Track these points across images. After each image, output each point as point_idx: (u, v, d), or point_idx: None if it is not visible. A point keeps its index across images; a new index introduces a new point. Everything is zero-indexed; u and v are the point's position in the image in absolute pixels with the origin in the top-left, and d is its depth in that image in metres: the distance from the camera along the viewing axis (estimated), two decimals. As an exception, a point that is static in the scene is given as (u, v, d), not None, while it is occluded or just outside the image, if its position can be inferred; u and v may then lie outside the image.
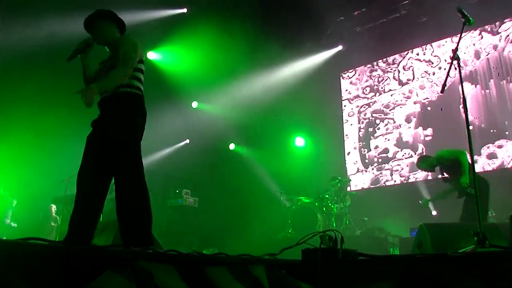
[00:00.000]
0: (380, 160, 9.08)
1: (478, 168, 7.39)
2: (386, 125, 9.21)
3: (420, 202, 6.04)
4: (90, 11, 3.04)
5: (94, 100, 2.71)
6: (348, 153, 9.72)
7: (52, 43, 6.23)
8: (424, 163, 5.52)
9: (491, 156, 7.59)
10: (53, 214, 8.04)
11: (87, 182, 2.73)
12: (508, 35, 7.84)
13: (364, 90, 9.83)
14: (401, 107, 9.06)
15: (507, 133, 7.49)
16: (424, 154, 8.43)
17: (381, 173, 9.01)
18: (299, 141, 10.09)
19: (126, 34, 3.12)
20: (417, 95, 8.86)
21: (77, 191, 2.75)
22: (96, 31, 2.98)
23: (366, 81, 9.85)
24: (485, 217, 4.80)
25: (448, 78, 3.01)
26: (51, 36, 6.38)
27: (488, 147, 7.63)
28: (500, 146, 7.53)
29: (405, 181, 8.58)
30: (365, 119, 9.65)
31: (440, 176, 5.40)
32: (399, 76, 9.29)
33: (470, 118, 7.51)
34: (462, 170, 5.00)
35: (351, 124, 9.86)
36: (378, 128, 9.34)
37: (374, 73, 9.75)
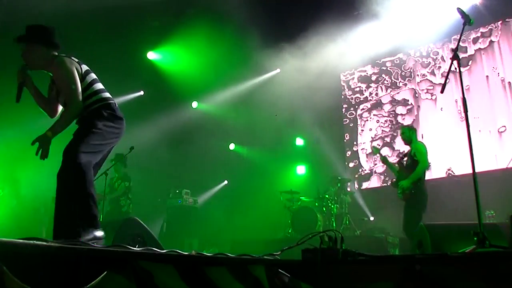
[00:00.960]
0: (380, 160, 9.08)
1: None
2: (386, 125, 9.22)
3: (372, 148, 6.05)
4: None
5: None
6: (348, 153, 9.72)
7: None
8: (409, 131, 5.32)
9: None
10: None
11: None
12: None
13: (365, 90, 9.82)
14: (401, 107, 9.06)
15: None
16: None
17: (381, 173, 9.01)
18: (299, 141, 10.10)
19: (58, 55, 2.94)
20: (417, 95, 8.86)
21: None
22: (25, 58, 2.90)
23: (367, 81, 9.85)
24: (416, 226, 4.58)
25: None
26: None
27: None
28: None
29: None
30: (365, 119, 9.65)
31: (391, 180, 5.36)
32: (399, 76, 9.29)
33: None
34: (412, 175, 4.97)
35: (351, 124, 9.86)
36: (378, 128, 9.34)
37: (374, 73, 9.75)
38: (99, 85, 3.00)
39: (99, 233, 2.65)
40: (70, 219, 2.59)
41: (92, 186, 2.70)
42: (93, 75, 3.00)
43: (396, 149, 8.87)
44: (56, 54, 2.92)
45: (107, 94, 3.02)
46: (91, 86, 2.93)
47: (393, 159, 8.89)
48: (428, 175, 8.19)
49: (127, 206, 6.89)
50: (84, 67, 2.97)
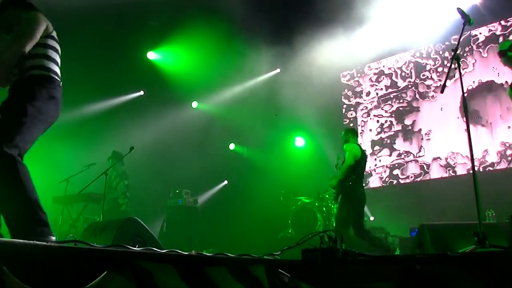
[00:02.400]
0: (380, 160, 9.08)
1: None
2: (386, 125, 9.21)
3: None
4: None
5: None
6: (348, 153, 9.71)
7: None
8: (346, 134, 5.42)
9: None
10: None
11: None
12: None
13: (365, 90, 9.82)
14: (401, 108, 9.06)
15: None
16: (425, 154, 8.44)
17: (381, 173, 9.01)
18: (299, 141, 10.09)
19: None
20: (417, 95, 8.86)
21: None
22: (4, 23, 2.62)
23: (367, 81, 9.84)
24: (343, 226, 4.79)
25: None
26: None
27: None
28: None
29: (406, 181, 8.58)
30: (365, 119, 9.65)
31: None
32: (399, 77, 9.28)
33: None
34: (338, 174, 5.04)
35: (351, 125, 9.85)
36: (378, 128, 9.34)
37: (374, 73, 9.74)
38: (57, 58, 2.64)
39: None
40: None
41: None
42: (57, 46, 2.68)
43: (396, 149, 8.87)
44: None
45: (57, 70, 2.64)
46: (50, 50, 2.60)
47: (393, 159, 8.89)
48: (428, 175, 8.24)
49: (126, 205, 6.87)
50: (55, 33, 2.68)
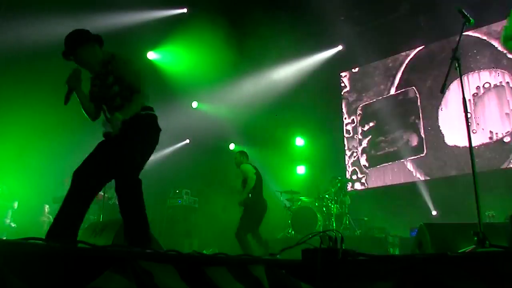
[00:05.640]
0: (380, 160, 9.08)
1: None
2: (386, 125, 9.21)
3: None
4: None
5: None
6: (348, 153, 9.72)
7: (52, 43, 6.23)
8: (240, 156, 6.04)
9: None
10: (46, 213, 8.07)
11: (87, 180, 2.80)
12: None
13: (364, 90, 9.82)
14: (401, 108, 9.06)
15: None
16: (425, 154, 8.44)
17: (381, 173, 9.01)
18: (299, 141, 10.09)
19: (112, 51, 3.01)
20: (418, 95, 8.86)
21: (74, 187, 2.80)
22: (80, 58, 2.90)
23: (366, 81, 9.84)
24: (246, 232, 5.54)
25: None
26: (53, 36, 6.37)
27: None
28: None
29: (405, 181, 8.57)
30: (365, 119, 9.65)
31: None
32: (400, 76, 9.29)
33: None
34: (244, 190, 5.73)
35: (351, 124, 9.86)
36: (378, 128, 9.34)
37: (374, 73, 9.74)
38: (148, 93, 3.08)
39: None
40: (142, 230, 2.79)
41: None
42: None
43: (396, 149, 8.87)
44: (109, 51, 2.99)
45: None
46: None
47: (393, 159, 8.89)
48: (428, 175, 8.24)
49: None
50: None
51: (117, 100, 2.92)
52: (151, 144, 2.99)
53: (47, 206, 8.05)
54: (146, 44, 9.24)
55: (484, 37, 8.10)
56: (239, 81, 9.80)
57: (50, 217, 7.76)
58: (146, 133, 2.94)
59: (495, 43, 7.92)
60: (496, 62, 7.84)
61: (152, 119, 3.01)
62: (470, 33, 8.15)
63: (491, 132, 7.63)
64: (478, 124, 7.77)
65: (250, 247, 5.41)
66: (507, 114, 7.53)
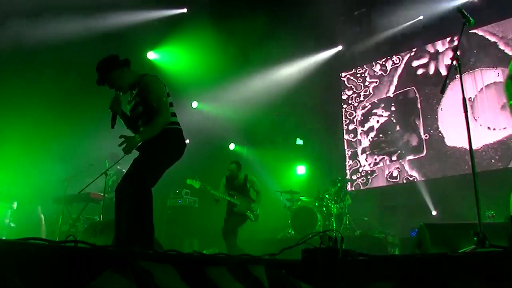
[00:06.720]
0: (380, 160, 9.08)
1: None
2: (386, 125, 9.21)
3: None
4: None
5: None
6: (349, 153, 9.72)
7: (52, 43, 6.23)
8: (237, 167, 6.34)
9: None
10: (39, 213, 8.07)
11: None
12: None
13: (364, 90, 9.82)
14: (401, 108, 9.06)
15: (507, 133, 7.48)
16: (425, 154, 8.44)
17: (381, 173, 9.01)
18: (299, 142, 10.09)
19: (144, 74, 3.19)
20: (418, 95, 8.86)
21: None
22: (112, 84, 3.09)
23: (366, 81, 9.85)
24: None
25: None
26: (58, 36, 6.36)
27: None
28: None
29: (406, 181, 8.58)
30: (365, 119, 9.65)
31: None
32: (399, 76, 9.29)
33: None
34: (257, 199, 6.19)
35: (352, 124, 9.86)
36: (378, 129, 9.34)
37: (374, 73, 9.75)
38: (173, 109, 3.20)
39: None
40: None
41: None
42: (170, 99, 3.23)
43: (396, 149, 8.87)
44: (138, 73, 3.19)
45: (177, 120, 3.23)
46: (171, 107, 3.18)
47: (393, 159, 8.89)
48: (428, 175, 8.24)
49: None
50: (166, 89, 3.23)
51: (140, 121, 3.11)
52: (171, 157, 3.12)
53: (39, 207, 8.03)
54: (146, 44, 9.22)
55: (487, 36, 8.10)
56: (239, 81, 9.80)
57: (42, 216, 7.76)
58: (167, 146, 3.06)
59: (496, 42, 7.92)
60: (497, 61, 7.84)
61: (175, 133, 3.13)
62: (470, 32, 8.15)
63: (491, 132, 7.63)
64: (478, 124, 7.77)
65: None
66: (507, 114, 7.53)
